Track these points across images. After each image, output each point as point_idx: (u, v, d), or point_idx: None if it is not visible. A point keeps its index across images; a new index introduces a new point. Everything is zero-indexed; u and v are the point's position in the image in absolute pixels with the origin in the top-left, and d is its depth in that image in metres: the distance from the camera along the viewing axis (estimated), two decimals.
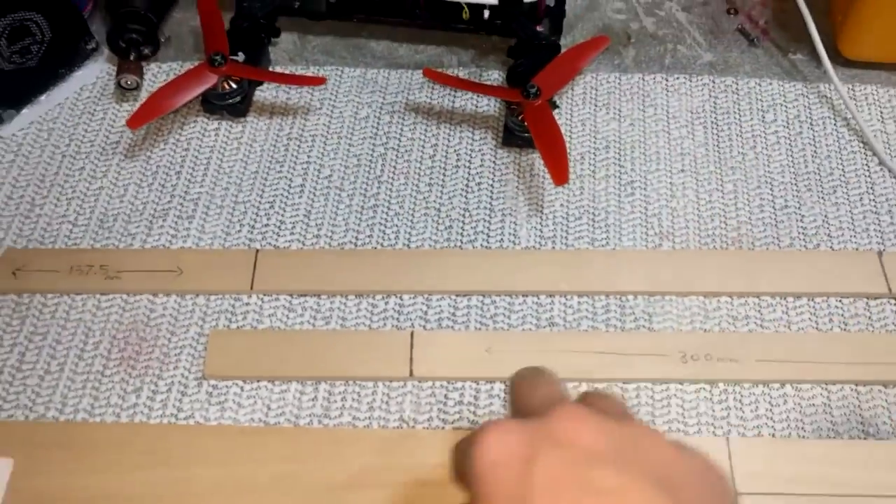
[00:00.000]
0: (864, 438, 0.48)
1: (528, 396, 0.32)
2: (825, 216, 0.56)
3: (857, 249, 0.55)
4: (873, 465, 0.46)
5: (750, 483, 0.46)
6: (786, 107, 0.62)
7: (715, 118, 0.61)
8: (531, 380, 0.33)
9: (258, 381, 0.49)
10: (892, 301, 0.53)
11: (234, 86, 0.58)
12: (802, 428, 0.48)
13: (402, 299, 0.52)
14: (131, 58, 0.59)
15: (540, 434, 0.26)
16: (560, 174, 0.53)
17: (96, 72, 0.62)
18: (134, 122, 0.54)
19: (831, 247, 0.55)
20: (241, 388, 0.49)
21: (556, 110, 0.57)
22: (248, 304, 0.52)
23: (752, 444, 0.48)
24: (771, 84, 0.63)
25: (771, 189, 0.57)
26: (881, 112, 0.61)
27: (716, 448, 0.47)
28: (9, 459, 0.45)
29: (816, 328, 0.52)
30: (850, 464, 0.46)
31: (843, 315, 0.52)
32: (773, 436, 0.48)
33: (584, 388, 0.49)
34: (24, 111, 0.59)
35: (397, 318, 0.52)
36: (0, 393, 0.49)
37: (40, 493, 0.45)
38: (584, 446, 0.26)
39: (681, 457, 0.27)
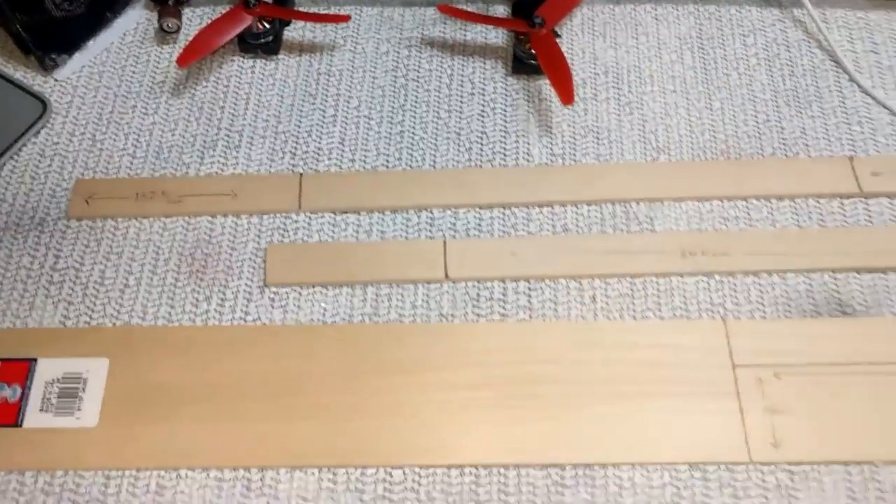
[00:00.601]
0: (842, 316, 0.55)
1: None
2: (802, 128, 0.64)
3: (831, 156, 0.62)
4: (850, 338, 0.54)
5: (745, 357, 0.54)
6: (764, 31, 0.69)
7: (701, 43, 0.68)
8: None
9: (313, 286, 0.56)
10: (863, 200, 0.60)
11: (266, 26, 0.64)
12: (789, 310, 0.56)
13: (432, 213, 0.60)
14: (170, 3, 0.65)
15: None
16: (566, 95, 0.60)
17: (136, 18, 0.68)
18: (182, 60, 0.61)
19: (808, 154, 0.63)
20: (300, 294, 0.56)
21: (559, 39, 0.64)
22: (297, 221, 0.59)
23: (745, 325, 0.55)
24: (750, 10, 0.70)
25: (754, 105, 0.65)
26: (850, 33, 0.68)
27: (715, 329, 0.55)
28: (105, 359, 0.52)
29: (798, 225, 0.59)
30: (829, 338, 0.54)
31: (820, 213, 0.60)
32: (764, 317, 0.56)
33: (597, 283, 0.56)
34: (76, 56, 0.65)
35: (430, 230, 0.59)
36: (88, 304, 0.55)
37: (133, 386, 0.53)
38: None
39: None
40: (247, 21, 0.61)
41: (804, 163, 0.62)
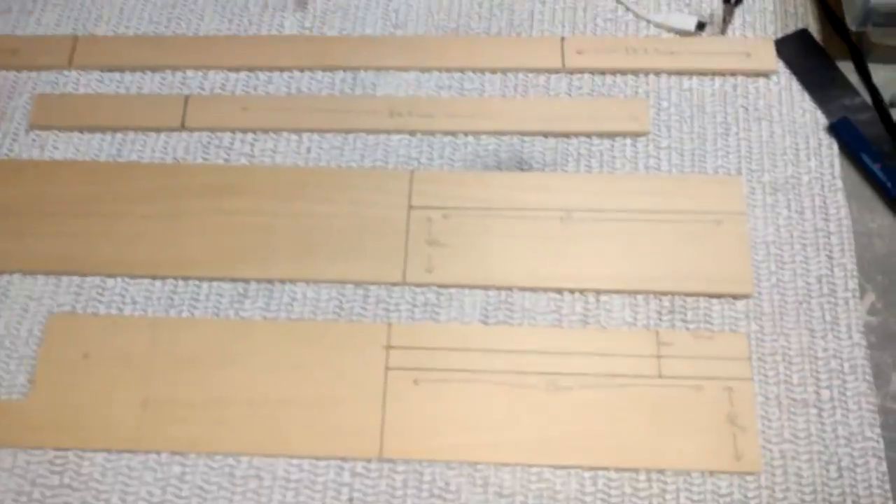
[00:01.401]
0: (518, 171, 0.65)
1: None
2: (531, 11, 0.73)
3: (542, 35, 0.71)
4: (525, 188, 0.64)
5: (422, 200, 0.63)
6: None
7: None
8: None
9: (71, 130, 0.68)
10: (567, 74, 0.69)
11: None
12: (475, 165, 0.65)
13: (185, 74, 0.71)
14: None
15: None
16: None
17: None
18: None
19: (531, 34, 0.71)
20: (57, 136, 0.68)
21: None
22: (67, 77, 0.71)
23: (429, 174, 0.64)
24: None
25: None
26: None
27: (401, 177, 0.64)
28: None
29: (503, 95, 0.68)
30: (501, 188, 0.64)
31: (526, 85, 0.69)
32: (452, 168, 0.65)
33: (314, 137, 0.68)
34: None
35: (182, 88, 0.70)
36: None
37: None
38: None
39: None
40: None
41: (520, 41, 0.70)
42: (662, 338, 0.57)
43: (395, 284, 0.60)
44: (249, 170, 0.64)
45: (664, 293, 0.59)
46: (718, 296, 0.59)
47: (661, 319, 0.58)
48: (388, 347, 0.58)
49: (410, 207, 0.62)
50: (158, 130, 0.66)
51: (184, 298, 0.60)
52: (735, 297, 0.60)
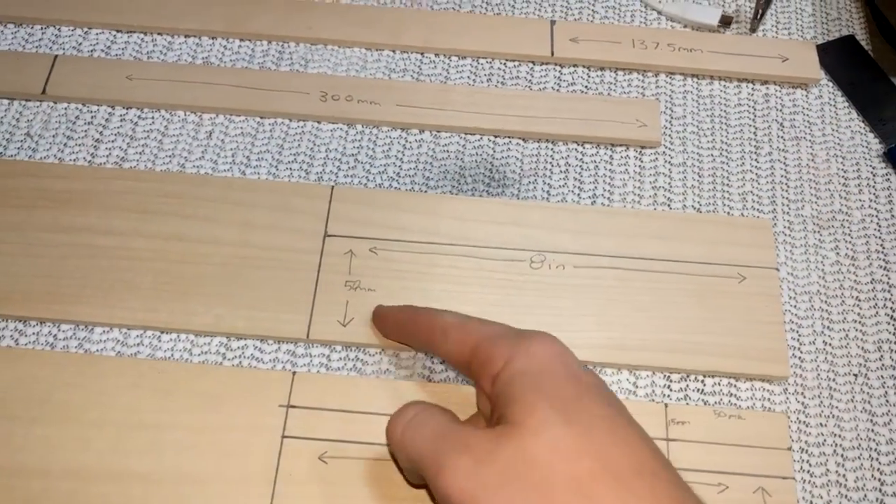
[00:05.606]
0: (487, 190, 0.49)
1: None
2: None
3: (538, 18, 0.55)
4: (487, 219, 0.47)
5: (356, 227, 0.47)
6: None
7: None
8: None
9: None
10: (556, 66, 0.53)
11: None
12: (431, 167, 0.50)
13: (59, 31, 0.53)
14: None
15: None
16: None
17: None
18: None
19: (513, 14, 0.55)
20: None
21: None
22: None
23: (365, 194, 0.48)
24: None
25: None
26: None
27: (320, 196, 0.48)
28: None
29: (471, 83, 0.51)
30: (462, 218, 0.48)
31: (503, 75, 0.52)
32: (399, 171, 0.49)
33: (218, 119, 0.51)
34: None
35: (52, 47, 0.52)
36: None
37: None
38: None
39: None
40: None
41: (499, 21, 0.55)
42: (673, 414, 0.39)
43: (297, 341, 0.43)
44: (97, 172, 0.46)
45: (672, 370, 0.44)
46: (747, 377, 0.44)
47: (669, 388, 0.40)
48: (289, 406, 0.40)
49: (326, 236, 0.44)
50: (12, 97, 0.47)
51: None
52: (766, 379, 0.44)
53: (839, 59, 0.55)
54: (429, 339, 0.36)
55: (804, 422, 0.42)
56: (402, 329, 0.40)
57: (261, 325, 0.42)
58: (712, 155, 0.50)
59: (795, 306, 0.45)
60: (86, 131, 0.48)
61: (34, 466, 0.38)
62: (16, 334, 0.42)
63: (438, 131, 0.50)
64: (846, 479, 0.41)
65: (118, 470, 0.38)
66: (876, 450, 0.41)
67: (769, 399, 0.42)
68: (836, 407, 0.42)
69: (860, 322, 0.45)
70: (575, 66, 0.53)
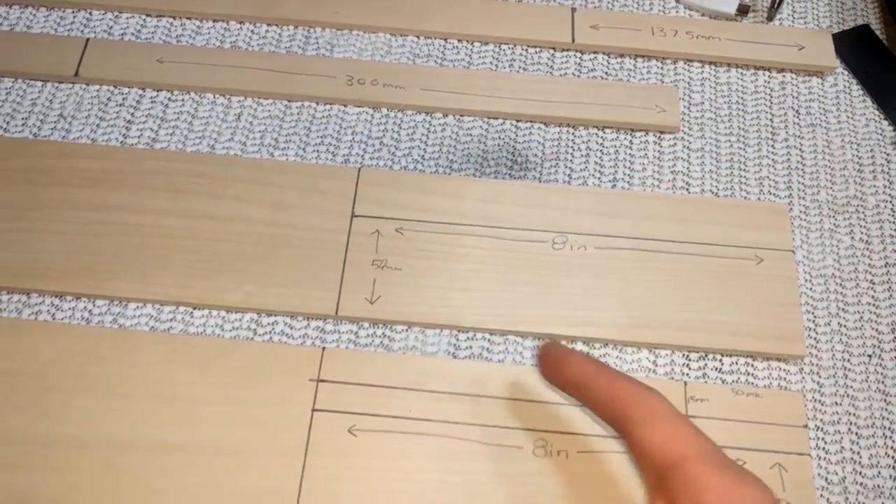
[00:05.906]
0: (510, 170, 0.49)
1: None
2: None
3: (557, 4, 0.56)
4: (509, 201, 0.48)
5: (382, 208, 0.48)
6: None
7: None
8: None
9: None
10: (577, 53, 0.53)
11: None
12: (455, 151, 0.50)
13: (90, 14, 0.53)
14: None
15: None
16: None
17: None
18: None
19: (535, 1, 0.57)
20: None
21: None
22: None
23: (392, 176, 0.49)
24: None
25: None
26: None
27: (347, 177, 0.48)
28: None
29: (493, 69, 0.52)
30: (486, 199, 0.49)
31: (524, 61, 0.53)
32: (424, 153, 0.50)
33: (247, 102, 0.52)
34: None
35: (83, 30, 0.53)
36: None
37: None
38: None
39: None
40: None
41: (521, 7, 0.56)
42: (692, 392, 0.40)
43: (326, 318, 0.44)
44: (130, 153, 0.47)
45: (692, 349, 0.45)
46: (763, 356, 0.45)
47: (688, 367, 0.41)
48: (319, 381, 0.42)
49: (354, 216, 0.45)
50: (45, 79, 0.48)
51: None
52: (782, 359, 0.45)
53: (854, 48, 0.55)
54: (620, 413, 0.29)
55: (819, 400, 0.43)
56: (579, 386, 0.31)
57: (291, 301, 0.42)
58: (730, 140, 0.50)
59: (811, 288, 0.46)
60: (118, 113, 0.49)
61: (72, 436, 0.39)
62: (52, 309, 0.43)
63: (462, 115, 0.50)
64: (860, 457, 0.42)
65: (153, 441, 0.39)
66: (889, 428, 0.42)
67: (785, 378, 0.43)
68: (851, 386, 0.43)
69: (874, 304, 0.46)
70: (595, 52, 0.53)
